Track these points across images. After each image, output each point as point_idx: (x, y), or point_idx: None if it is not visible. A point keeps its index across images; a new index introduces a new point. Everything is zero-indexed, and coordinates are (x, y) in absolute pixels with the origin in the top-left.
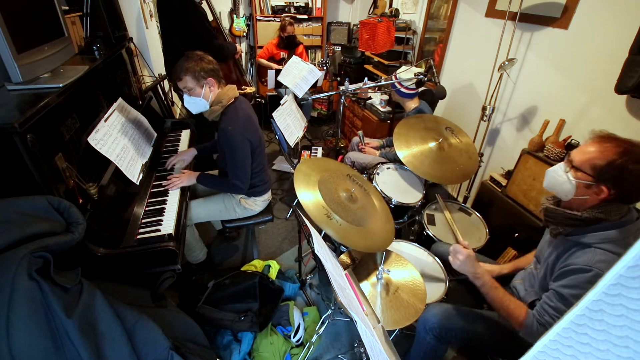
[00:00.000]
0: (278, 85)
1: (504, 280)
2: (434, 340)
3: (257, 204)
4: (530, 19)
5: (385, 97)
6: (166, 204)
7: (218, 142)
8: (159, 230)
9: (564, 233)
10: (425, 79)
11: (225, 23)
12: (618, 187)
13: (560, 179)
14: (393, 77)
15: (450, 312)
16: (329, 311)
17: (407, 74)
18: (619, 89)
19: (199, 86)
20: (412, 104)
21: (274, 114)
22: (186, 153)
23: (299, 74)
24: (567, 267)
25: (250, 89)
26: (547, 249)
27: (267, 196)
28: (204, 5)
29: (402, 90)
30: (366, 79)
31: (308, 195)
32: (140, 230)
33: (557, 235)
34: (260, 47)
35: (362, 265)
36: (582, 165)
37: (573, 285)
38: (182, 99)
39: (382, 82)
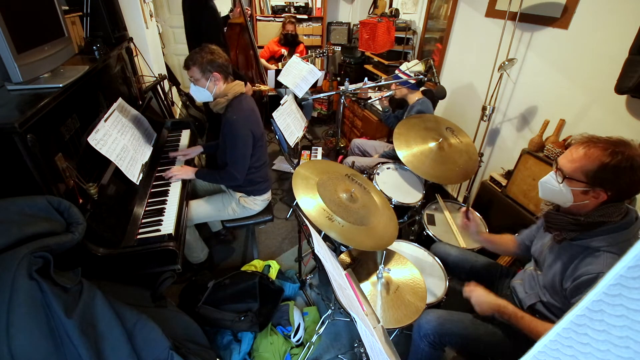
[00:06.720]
0: (278, 85)
1: (505, 277)
2: (428, 347)
3: (256, 203)
4: (530, 19)
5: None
6: (166, 204)
7: (222, 131)
8: (159, 230)
9: (568, 238)
10: (425, 79)
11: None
12: (613, 188)
13: (554, 188)
14: (397, 71)
15: (444, 318)
16: (329, 311)
17: (413, 65)
18: (619, 89)
19: (204, 78)
20: (415, 97)
21: (274, 114)
22: (191, 149)
23: (299, 74)
24: (581, 277)
25: (265, 87)
26: (550, 255)
27: (267, 196)
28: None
29: (410, 81)
30: (366, 79)
31: (308, 200)
32: (140, 230)
33: (562, 241)
34: (260, 48)
35: (362, 265)
36: (573, 174)
37: None
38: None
39: (382, 82)
